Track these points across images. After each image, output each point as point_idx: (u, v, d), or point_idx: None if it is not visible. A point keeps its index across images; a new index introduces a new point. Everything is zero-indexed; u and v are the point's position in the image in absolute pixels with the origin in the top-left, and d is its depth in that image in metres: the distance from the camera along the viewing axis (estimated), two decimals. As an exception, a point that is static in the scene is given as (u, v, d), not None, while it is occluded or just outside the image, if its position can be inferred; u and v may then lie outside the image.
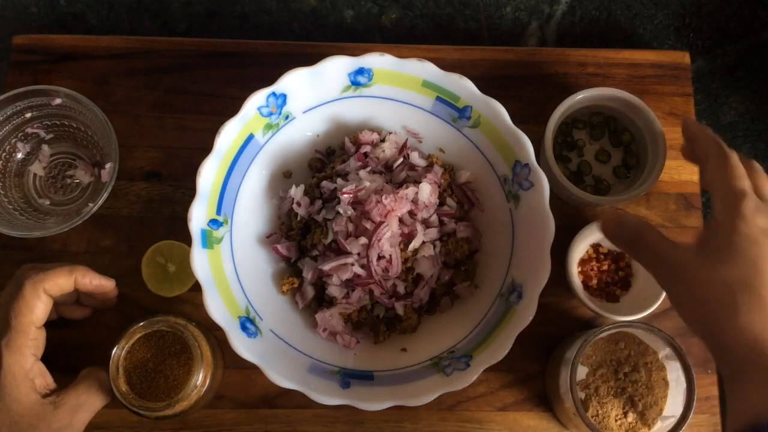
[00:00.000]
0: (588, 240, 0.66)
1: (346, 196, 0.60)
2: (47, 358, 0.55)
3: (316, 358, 0.60)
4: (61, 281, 0.55)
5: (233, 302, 0.59)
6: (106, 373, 0.54)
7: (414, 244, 0.61)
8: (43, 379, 0.54)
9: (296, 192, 0.63)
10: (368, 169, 0.63)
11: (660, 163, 0.65)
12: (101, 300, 0.61)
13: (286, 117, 0.64)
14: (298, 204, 0.63)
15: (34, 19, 0.78)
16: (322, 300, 0.63)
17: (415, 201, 0.61)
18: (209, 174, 0.59)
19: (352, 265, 0.59)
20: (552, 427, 0.65)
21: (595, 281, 0.66)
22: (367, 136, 0.64)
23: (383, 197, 0.59)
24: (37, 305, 0.53)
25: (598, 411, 0.61)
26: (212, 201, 0.60)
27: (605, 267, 0.66)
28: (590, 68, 0.74)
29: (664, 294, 0.62)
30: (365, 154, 0.64)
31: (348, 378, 0.59)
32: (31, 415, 0.52)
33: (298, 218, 0.63)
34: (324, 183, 0.63)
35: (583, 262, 0.66)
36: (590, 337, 0.59)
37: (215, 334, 0.62)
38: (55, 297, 0.56)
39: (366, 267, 0.59)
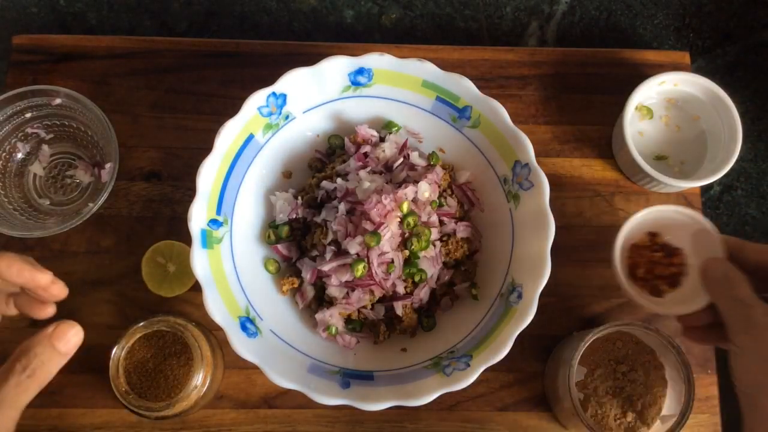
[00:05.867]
0: (643, 227, 0.60)
1: (343, 204, 0.60)
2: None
3: (316, 358, 0.60)
4: None
5: (233, 302, 0.59)
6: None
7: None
8: None
9: (277, 201, 0.64)
10: (368, 169, 0.63)
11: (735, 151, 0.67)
12: (37, 299, 0.52)
13: (286, 117, 0.64)
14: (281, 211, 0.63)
15: (34, 19, 0.78)
16: (322, 300, 0.63)
17: (415, 201, 0.61)
18: (209, 174, 0.59)
19: (352, 265, 0.59)
20: (552, 427, 0.65)
21: (642, 270, 0.60)
22: (363, 132, 0.64)
23: (383, 197, 0.59)
24: None
25: (597, 411, 0.61)
26: (212, 201, 0.60)
27: (657, 258, 0.60)
28: (590, 68, 0.74)
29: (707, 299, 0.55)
30: (365, 154, 0.64)
31: (348, 378, 0.59)
32: None
33: (287, 221, 0.64)
34: (324, 183, 0.63)
35: (636, 248, 0.61)
36: (588, 337, 0.59)
37: (215, 334, 0.62)
38: None
39: (366, 268, 0.59)
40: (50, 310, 0.54)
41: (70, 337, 0.44)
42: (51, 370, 0.43)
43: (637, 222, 0.57)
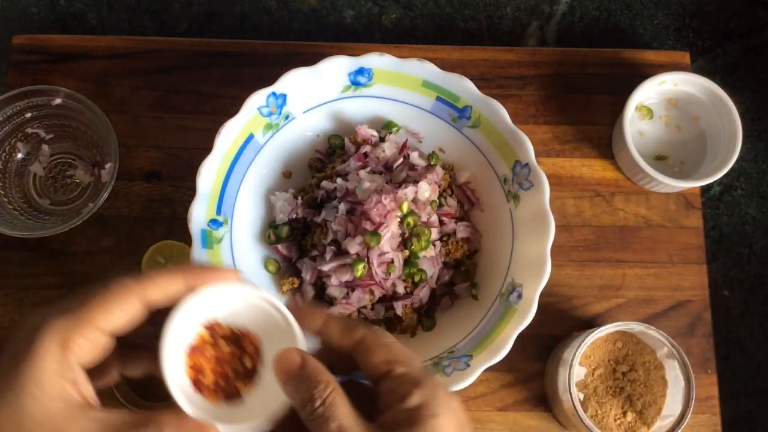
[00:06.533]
0: (196, 320, 0.40)
1: (343, 204, 0.60)
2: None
3: (316, 358, 0.60)
4: (168, 286, 0.38)
5: (233, 302, 0.59)
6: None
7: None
8: (77, 391, 0.36)
9: (277, 201, 0.64)
10: (368, 169, 0.63)
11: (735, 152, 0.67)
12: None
13: (286, 117, 0.64)
14: (281, 211, 0.63)
15: (34, 19, 0.78)
16: (322, 300, 0.63)
17: (415, 201, 0.61)
18: (209, 174, 0.59)
19: (352, 265, 0.59)
20: (552, 427, 0.65)
21: (211, 376, 0.41)
22: (363, 132, 0.64)
23: (383, 197, 0.59)
24: (116, 305, 0.36)
25: (597, 411, 0.61)
26: (212, 201, 0.60)
27: (225, 355, 0.42)
28: (590, 68, 0.74)
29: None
30: (365, 154, 0.64)
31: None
32: (54, 427, 0.35)
33: (287, 222, 0.64)
34: (324, 183, 0.63)
35: (196, 351, 0.41)
36: (588, 337, 0.59)
37: (215, 334, 0.62)
38: (156, 306, 0.38)
39: (366, 268, 0.59)
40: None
41: None
42: None
43: (183, 320, 0.39)
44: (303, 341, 0.40)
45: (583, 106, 0.73)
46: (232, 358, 0.42)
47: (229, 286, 0.40)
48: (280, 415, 0.38)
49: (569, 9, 0.80)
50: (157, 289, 0.37)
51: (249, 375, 0.41)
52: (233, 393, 0.41)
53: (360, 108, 0.65)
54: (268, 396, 0.40)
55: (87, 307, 0.36)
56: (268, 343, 0.41)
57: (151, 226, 0.68)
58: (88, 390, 0.37)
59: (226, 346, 0.42)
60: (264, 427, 0.39)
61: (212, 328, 0.41)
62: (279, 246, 0.64)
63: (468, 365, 0.57)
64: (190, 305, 0.39)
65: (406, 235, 0.60)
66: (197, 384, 0.40)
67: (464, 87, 0.62)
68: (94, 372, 0.38)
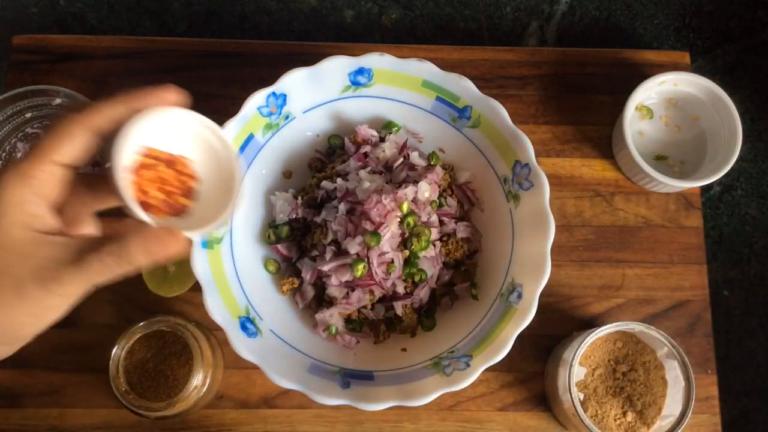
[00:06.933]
0: (141, 141, 0.42)
1: (343, 204, 0.60)
2: (45, 359, 0.55)
3: (316, 358, 0.60)
4: (111, 112, 0.40)
5: (233, 302, 0.59)
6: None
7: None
8: (40, 220, 0.39)
9: (277, 201, 0.64)
10: (368, 169, 0.63)
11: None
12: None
13: (286, 117, 0.64)
14: (281, 211, 0.63)
15: (34, 19, 0.78)
16: (322, 300, 0.63)
17: (415, 201, 0.61)
18: (209, 174, 0.59)
19: (352, 265, 0.59)
20: (552, 427, 0.65)
21: (156, 196, 0.44)
22: (363, 132, 0.64)
23: (383, 197, 0.59)
24: (65, 137, 0.39)
25: (597, 411, 0.61)
26: (212, 201, 0.60)
27: (165, 175, 0.44)
28: (590, 68, 0.74)
29: (235, 193, 0.45)
30: (365, 154, 0.64)
31: (348, 378, 0.59)
32: (22, 252, 0.38)
33: (287, 221, 0.64)
34: (324, 183, 0.63)
35: (138, 175, 0.43)
36: (588, 337, 0.59)
37: (215, 334, 0.62)
38: (103, 132, 0.40)
39: (366, 268, 0.59)
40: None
41: (169, 248, 0.40)
42: (130, 269, 0.40)
43: (128, 142, 0.40)
44: (235, 157, 0.44)
45: (583, 106, 0.73)
46: (174, 179, 0.45)
47: (166, 111, 0.42)
48: (223, 220, 0.43)
49: (569, 9, 0.80)
50: (102, 115, 0.40)
51: (190, 193, 0.45)
52: (179, 209, 0.45)
53: (360, 108, 0.65)
54: (210, 207, 0.44)
55: (40, 145, 0.39)
56: (201, 160, 0.45)
57: (151, 226, 0.68)
58: (51, 219, 0.40)
59: (166, 169, 0.44)
60: (212, 229, 0.44)
61: (152, 154, 0.44)
62: (279, 246, 0.64)
63: (468, 365, 0.57)
64: (132, 129, 0.40)
65: (406, 235, 0.60)
66: (145, 205, 0.43)
67: (464, 87, 0.62)
68: (69, 213, 0.41)
